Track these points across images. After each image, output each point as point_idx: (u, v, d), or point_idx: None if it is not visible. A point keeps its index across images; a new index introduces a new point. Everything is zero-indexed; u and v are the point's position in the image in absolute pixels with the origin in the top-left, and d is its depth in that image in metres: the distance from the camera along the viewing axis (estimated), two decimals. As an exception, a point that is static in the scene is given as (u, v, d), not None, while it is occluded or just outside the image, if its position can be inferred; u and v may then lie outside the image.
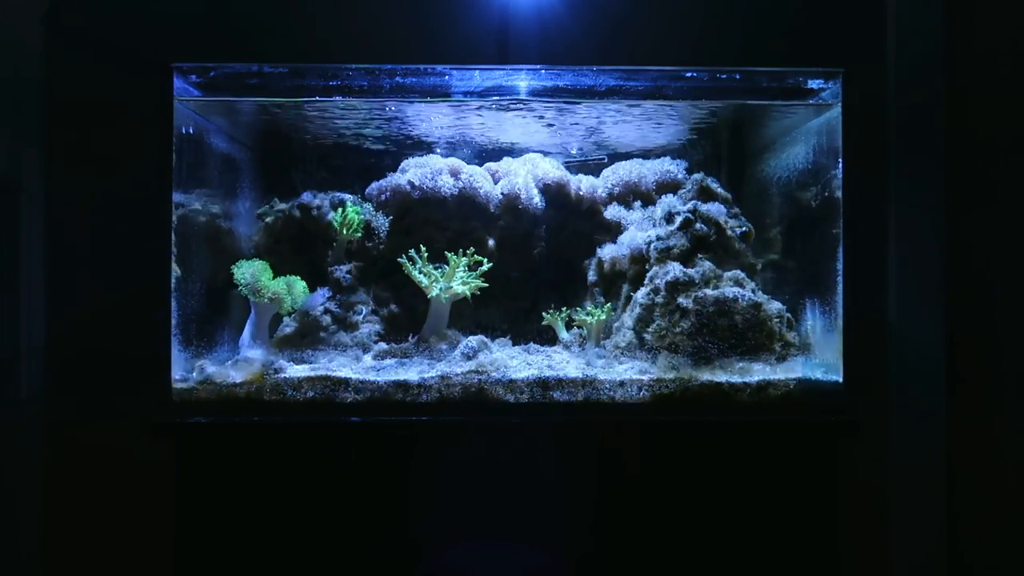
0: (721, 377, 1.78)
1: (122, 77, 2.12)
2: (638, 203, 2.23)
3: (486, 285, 2.04)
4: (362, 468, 1.71)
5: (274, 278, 1.97)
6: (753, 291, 1.91)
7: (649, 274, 1.97)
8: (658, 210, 2.11)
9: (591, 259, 2.21)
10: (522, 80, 1.86)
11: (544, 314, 2.09)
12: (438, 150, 2.28)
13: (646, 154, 2.33)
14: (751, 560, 1.71)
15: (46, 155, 2.15)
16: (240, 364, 1.80)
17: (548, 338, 2.10)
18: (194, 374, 1.77)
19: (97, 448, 2.14)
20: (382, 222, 2.17)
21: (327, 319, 2.03)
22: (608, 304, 2.05)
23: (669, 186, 2.23)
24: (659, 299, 1.90)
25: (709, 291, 1.87)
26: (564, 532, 1.71)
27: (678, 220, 1.99)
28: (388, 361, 1.92)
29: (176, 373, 1.74)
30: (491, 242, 2.21)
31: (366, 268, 2.15)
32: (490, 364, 1.80)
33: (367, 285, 2.14)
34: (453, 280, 2.00)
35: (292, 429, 1.72)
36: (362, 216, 2.13)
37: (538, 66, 1.83)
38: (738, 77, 1.84)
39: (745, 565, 1.71)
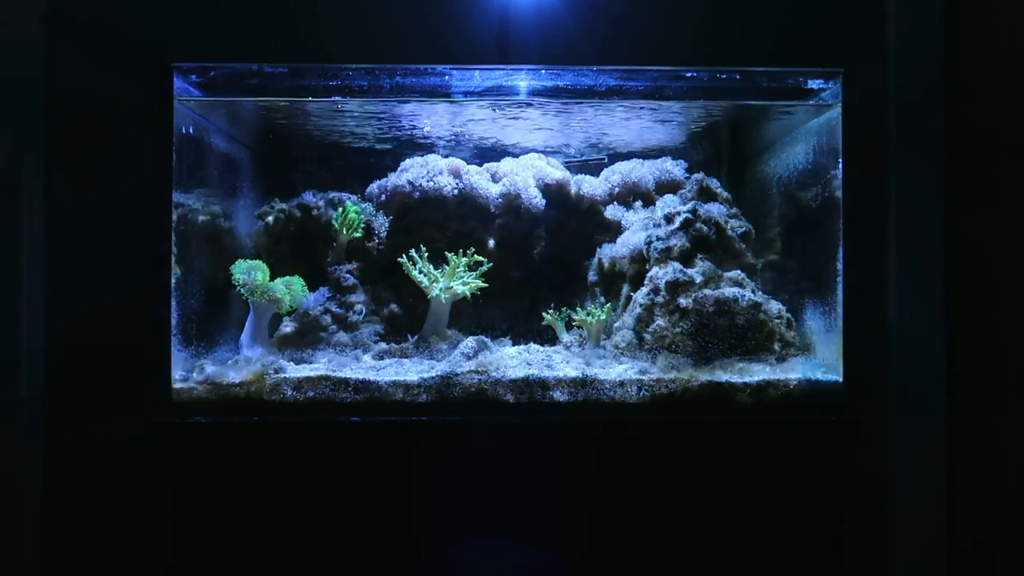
0: (721, 377, 1.77)
1: (122, 77, 2.12)
2: (638, 203, 2.23)
3: (486, 285, 2.04)
4: (362, 468, 1.71)
5: (274, 278, 1.97)
6: (753, 291, 1.91)
7: (649, 274, 1.96)
8: (658, 210, 2.11)
9: (591, 259, 2.21)
10: (522, 80, 1.86)
11: (544, 314, 2.09)
12: (438, 150, 2.28)
13: (646, 154, 2.33)
14: (752, 560, 1.71)
15: (46, 155, 2.15)
16: (240, 364, 1.80)
17: (548, 338, 2.10)
18: (194, 374, 1.77)
19: (97, 448, 2.14)
20: (382, 222, 2.17)
21: (327, 319, 2.03)
22: (608, 304, 2.05)
23: (669, 186, 2.23)
24: (659, 299, 1.90)
25: (709, 291, 1.87)
26: (564, 532, 1.71)
27: (678, 220, 1.99)
28: (388, 361, 1.92)
29: (176, 373, 1.74)
30: (491, 242, 2.21)
31: (366, 268, 2.15)
32: (490, 364, 1.79)
33: (367, 285, 2.14)
34: (453, 280, 2.00)
35: (292, 429, 1.71)
36: (362, 216, 2.13)
37: (538, 66, 1.83)
38: (738, 77, 1.84)
39: (746, 565, 1.71)
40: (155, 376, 1.72)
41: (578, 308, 2.07)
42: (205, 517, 1.69)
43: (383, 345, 2.01)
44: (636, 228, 2.12)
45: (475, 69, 1.84)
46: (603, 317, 2.01)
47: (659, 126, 2.13)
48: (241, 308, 2.00)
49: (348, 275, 2.11)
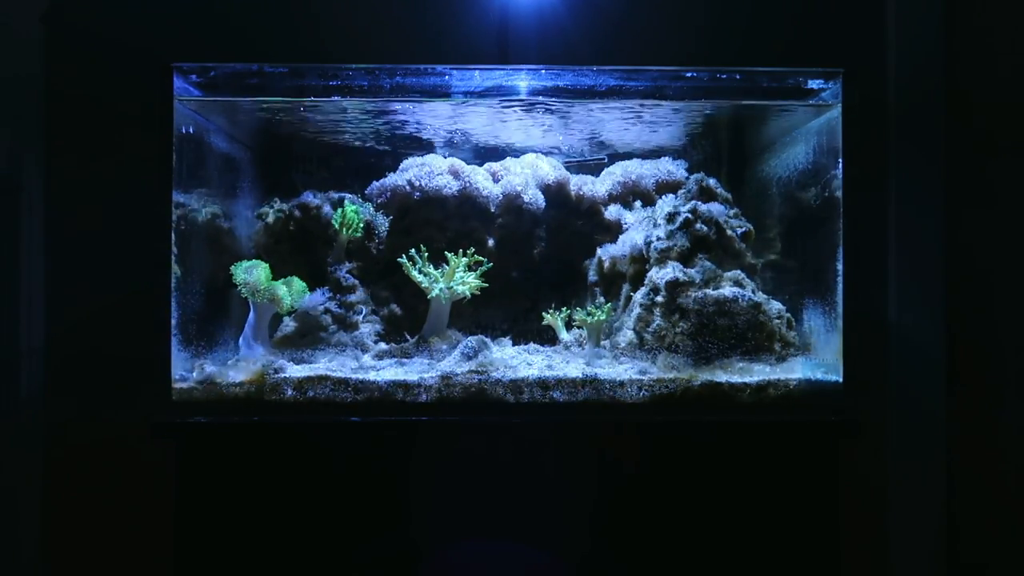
0: (721, 377, 1.77)
1: (122, 77, 2.12)
2: (638, 203, 2.23)
3: (486, 285, 2.04)
4: (362, 468, 1.71)
5: (274, 278, 1.97)
6: (753, 291, 1.91)
7: (649, 274, 1.96)
8: (658, 210, 2.11)
9: (591, 259, 2.21)
10: (522, 80, 1.86)
11: (544, 314, 2.09)
12: (438, 150, 2.28)
13: (646, 154, 2.33)
14: (751, 560, 1.71)
15: (46, 155, 2.15)
16: (240, 364, 1.80)
17: (548, 338, 2.10)
18: (194, 374, 1.77)
19: (97, 448, 2.14)
20: (382, 222, 2.17)
21: (327, 319, 2.03)
22: (608, 304, 2.05)
23: (669, 186, 2.23)
24: (659, 299, 1.90)
25: (709, 291, 1.87)
26: (564, 532, 1.71)
27: (678, 220, 1.99)
28: (388, 361, 1.92)
29: (176, 373, 1.74)
30: (491, 242, 2.21)
31: (366, 268, 2.15)
32: (490, 364, 1.79)
33: (367, 285, 2.14)
34: (453, 280, 2.00)
35: (292, 429, 1.72)
36: (362, 216, 2.13)
37: (538, 66, 1.83)
38: (738, 77, 1.84)
39: (746, 565, 1.71)
40: (155, 376, 1.72)
41: (578, 308, 2.07)
42: (205, 517, 1.69)
43: (383, 345, 2.01)
44: (636, 228, 2.13)
45: (475, 69, 1.84)
46: (603, 317, 2.01)
47: (659, 126, 2.13)
48: (241, 308, 2.00)
49: (348, 275, 2.11)
